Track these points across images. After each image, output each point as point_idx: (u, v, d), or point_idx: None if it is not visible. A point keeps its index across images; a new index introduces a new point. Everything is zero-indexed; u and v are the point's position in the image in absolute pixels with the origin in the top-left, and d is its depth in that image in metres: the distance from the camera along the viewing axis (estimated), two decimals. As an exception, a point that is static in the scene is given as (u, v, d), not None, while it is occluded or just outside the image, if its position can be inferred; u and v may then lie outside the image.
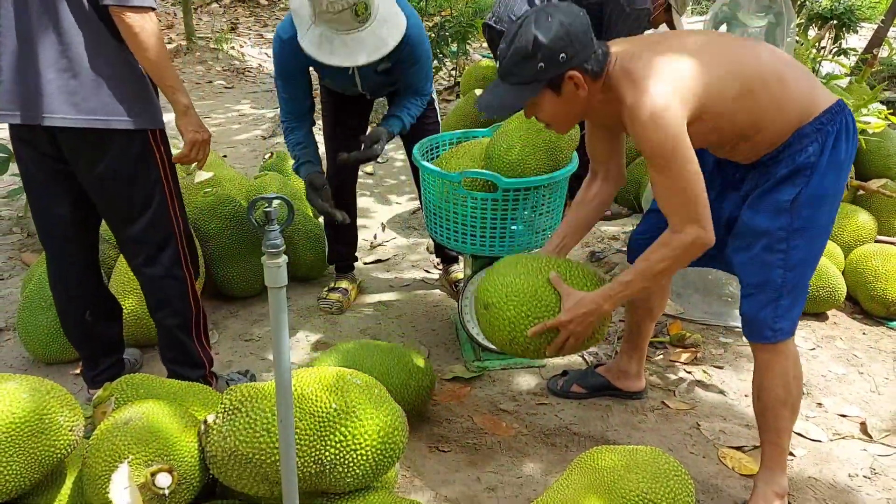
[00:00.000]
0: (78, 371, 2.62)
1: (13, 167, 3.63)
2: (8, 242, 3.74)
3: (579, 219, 2.25)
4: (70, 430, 1.72)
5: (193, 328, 2.37)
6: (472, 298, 2.68)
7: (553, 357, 2.03)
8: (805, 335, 3.00)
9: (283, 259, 1.39)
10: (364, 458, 1.71)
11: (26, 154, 2.13)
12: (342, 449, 1.69)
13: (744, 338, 2.94)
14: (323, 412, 1.69)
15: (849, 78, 3.96)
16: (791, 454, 2.32)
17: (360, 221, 4.27)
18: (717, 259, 2.12)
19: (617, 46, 1.89)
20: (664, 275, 1.92)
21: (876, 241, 3.50)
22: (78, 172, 2.13)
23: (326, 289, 3.28)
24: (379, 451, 1.73)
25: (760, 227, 1.89)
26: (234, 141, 5.69)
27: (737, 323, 3.04)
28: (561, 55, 1.77)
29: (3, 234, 3.82)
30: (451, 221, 2.59)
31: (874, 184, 3.63)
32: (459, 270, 3.36)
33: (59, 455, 1.70)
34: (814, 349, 2.92)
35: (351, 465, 1.70)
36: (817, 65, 5.05)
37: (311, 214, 3.71)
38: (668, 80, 1.74)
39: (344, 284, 3.28)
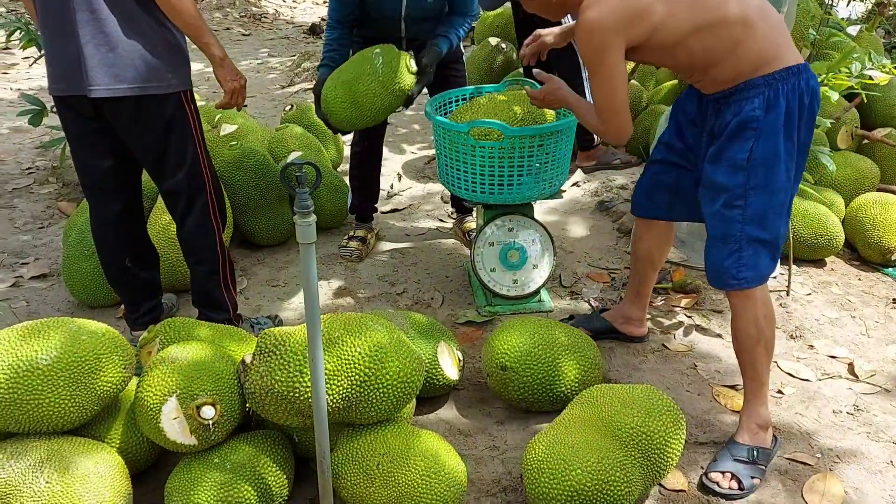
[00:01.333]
0: (120, 314, 2.83)
1: (46, 120, 3.80)
2: (45, 192, 3.94)
3: None
4: (124, 368, 1.93)
5: (221, 275, 2.57)
6: (485, 249, 2.85)
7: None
8: (802, 281, 3.15)
9: (313, 218, 1.55)
10: (385, 395, 1.91)
11: (69, 116, 2.30)
12: (366, 388, 1.89)
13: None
14: (349, 355, 1.88)
15: (860, 26, 3.99)
16: (780, 392, 2.50)
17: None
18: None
19: None
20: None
21: (878, 190, 3.62)
22: (119, 132, 2.30)
23: (346, 237, 3.45)
24: (399, 390, 1.93)
25: (720, 183, 2.05)
26: (252, 90, 5.80)
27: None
28: None
29: (39, 184, 4.02)
30: (461, 171, 2.74)
31: (878, 133, 3.72)
32: (473, 221, 3.52)
33: (114, 390, 1.92)
34: (809, 294, 3.07)
35: (374, 401, 1.90)
36: (832, 9, 5.06)
37: (331, 166, 3.86)
38: (626, 4, 1.94)
39: (362, 233, 3.45)
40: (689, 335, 2.82)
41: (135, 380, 2.09)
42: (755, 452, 2.14)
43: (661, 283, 3.09)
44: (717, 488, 2.08)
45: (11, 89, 5.45)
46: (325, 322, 1.96)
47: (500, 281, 2.92)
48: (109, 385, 1.90)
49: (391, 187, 4.12)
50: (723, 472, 2.11)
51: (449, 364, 2.39)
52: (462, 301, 3.06)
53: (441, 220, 3.76)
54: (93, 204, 2.48)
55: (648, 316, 2.89)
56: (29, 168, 4.22)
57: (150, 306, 2.64)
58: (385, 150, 4.61)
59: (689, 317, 2.92)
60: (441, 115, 2.93)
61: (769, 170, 1.99)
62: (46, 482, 1.74)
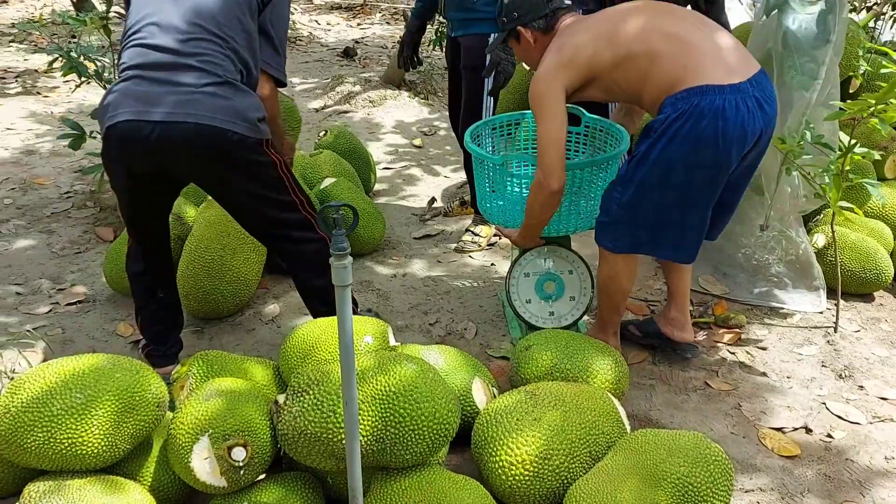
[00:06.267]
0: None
1: (85, 145, 3.83)
2: (83, 216, 3.97)
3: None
4: (157, 407, 1.91)
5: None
6: (520, 279, 2.80)
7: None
8: (850, 317, 3.04)
9: (349, 261, 1.51)
10: (421, 437, 1.86)
11: None
12: (401, 429, 1.83)
13: (787, 319, 3.03)
14: (383, 395, 1.83)
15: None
16: (829, 436, 2.40)
17: (409, 191, 4.40)
18: None
19: (575, 18, 2.45)
20: (539, 212, 2.49)
21: (929, 221, 3.48)
22: None
23: (467, 230, 3.73)
24: (434, 432, 1.87)
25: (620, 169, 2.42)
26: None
27: (782, 304, 3.09)
28: (514, 13, 2.44)
29: (77, 209, 4.05)
30: (496, 202, 2.70)
31: (929, 161, 3.60)
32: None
33: (148, 428, 1.89)
34: (858, 331, 2.96)
35: (409, 443, 1.85)
36: (878, 35, 4.95)
37: (364, 192, 3.83)
38: (561, 54, 2.32)
39: (481, 230, 3.71)
40: (733, 373, 2.72)
41: (168, 415, 2.06)
42: None
43: (702, 318, 3.01)
44: None
45: (51, 114, 5.53)
46: (358, 360, 1.92)
47: (537, 312, 2.86)
48: (143, 423, 1.87)
49: (426, 211, 4.08)
50: None
51: (484, 402, 2.33)
52: (496, 332, 3.00)
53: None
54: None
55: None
56: (67, 192, 4.26)
57: (176, 338, 2.61)
58: (418, 171, 4.63)
59: (733, 353, 2.83)
60: (477, 145, 2.88)
61: (650, 171, 2.27)
62: (77, 523, 1.72)
